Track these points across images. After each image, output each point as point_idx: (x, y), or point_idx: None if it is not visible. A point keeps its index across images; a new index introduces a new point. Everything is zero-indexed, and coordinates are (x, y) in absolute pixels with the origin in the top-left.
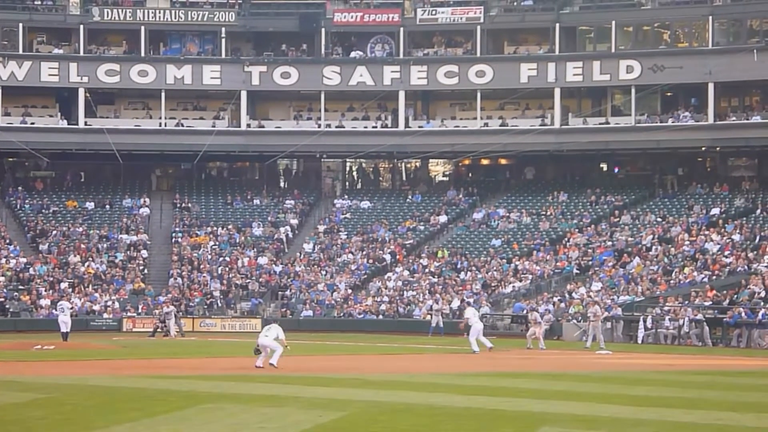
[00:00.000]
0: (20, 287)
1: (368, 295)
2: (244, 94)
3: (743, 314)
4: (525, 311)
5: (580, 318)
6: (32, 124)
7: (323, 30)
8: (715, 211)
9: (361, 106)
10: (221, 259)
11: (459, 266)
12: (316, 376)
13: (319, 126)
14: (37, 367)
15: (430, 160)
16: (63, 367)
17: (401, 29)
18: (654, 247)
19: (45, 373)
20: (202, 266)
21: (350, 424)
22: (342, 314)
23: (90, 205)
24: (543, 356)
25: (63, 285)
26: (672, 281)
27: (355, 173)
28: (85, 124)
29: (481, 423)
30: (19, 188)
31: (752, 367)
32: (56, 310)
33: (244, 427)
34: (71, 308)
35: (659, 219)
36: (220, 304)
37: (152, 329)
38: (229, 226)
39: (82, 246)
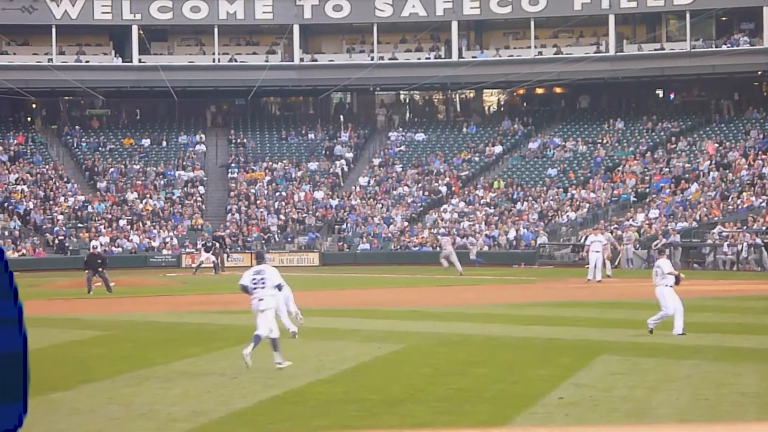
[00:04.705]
0: (79, 225)
1: (424, 228)
2: (296, 28)
3: None
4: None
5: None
6: (87, 62)
7: None
8: None
9: (413, 38)
10: (277, 194)
11: (515, 197)
12: (374, 309)
13: (372, 59)
14: (97, 304)
15: (484, 91)
16: (122, 305)
17: None
18: (711, 173)
19: (105, 311)
20: (258, 201)
21: (408, 356)
22: (398, 247)
23: (146, 142)
24: (599, 285)
25: (122, 222)
26: (730, 207)
27: (409, 105)
28: (139, 61)
29: (539, 352)
30: (76, 127)
31: None
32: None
33: (303, 361)
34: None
35: (716, 144)
36: (277, 239)
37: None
38: (285, 161)
39: (139, 183)
